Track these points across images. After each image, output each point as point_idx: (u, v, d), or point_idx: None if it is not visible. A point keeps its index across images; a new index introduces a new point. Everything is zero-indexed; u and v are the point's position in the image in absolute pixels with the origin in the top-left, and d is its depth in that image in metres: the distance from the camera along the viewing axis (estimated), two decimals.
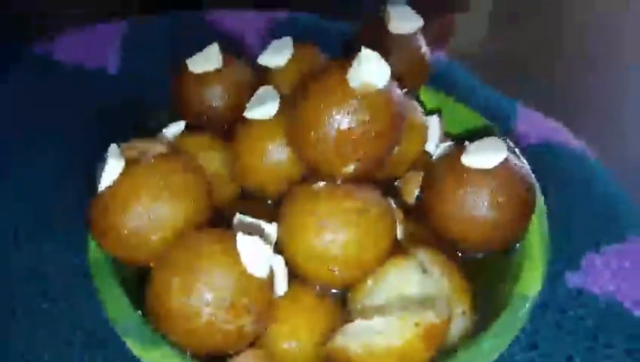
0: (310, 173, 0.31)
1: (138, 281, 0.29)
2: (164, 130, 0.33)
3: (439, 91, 0.39)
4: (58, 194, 0.43)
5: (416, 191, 0.34)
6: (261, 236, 0.28)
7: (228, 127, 0.35)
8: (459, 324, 0.29)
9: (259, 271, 0.26)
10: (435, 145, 0.35)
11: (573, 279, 0.37)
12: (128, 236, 0.27)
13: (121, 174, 0.27)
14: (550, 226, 0.40)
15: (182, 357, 0.26)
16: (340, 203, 0.28)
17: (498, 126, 0.43)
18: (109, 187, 0.27)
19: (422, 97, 0.39)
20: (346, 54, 0.37)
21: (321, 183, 0.29)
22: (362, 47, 0.27)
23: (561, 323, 0.35)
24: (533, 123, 0.47)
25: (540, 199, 0.32)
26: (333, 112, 0.27)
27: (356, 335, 0.26)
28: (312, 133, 0.28)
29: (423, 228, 0.33)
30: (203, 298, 0.25)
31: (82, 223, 0.29)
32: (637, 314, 0.35)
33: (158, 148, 0.29)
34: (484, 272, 0.31)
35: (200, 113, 0.35)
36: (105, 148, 0.28)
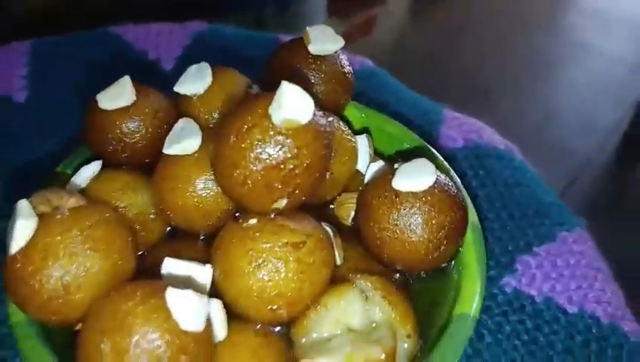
0: (242, 213, 0.30)
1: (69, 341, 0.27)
2: (77, 174, 0.31)
3: (364, 107, 0.39)
4: None
5: (352, 213, 0.33)
6: (194, 281, 0.27)
7: (149, 161, 0.33)
8: (404, 346, 0.29)
9: (194, 326, 0.24)
10: (365, 165, 0.35)
11: (510, 282, 0.38)
12: (50, 301, 0.25)
13: (34, 233, 0.25)
14: (482, 231, 0.41)
15: None
16: (274, 239, 0.27)
17: (423, 129, 0.44)
18: (22, 249, 0.25)
19: (348, 112, 0.39)
20: (267, 79, 0.36)
21: (253, 220, 0.28)
22: (282, 82, 0.26)
23: (503, 328, 0.36)
24: (460, 126, 0.48)
25: (473, 214, 0.32)
26: (258, 150, 0.26)
27: None
28: (238, 171, 0.27)
29: (361, 250, 0.32)
30: (134, 357, 0.23)
31: None
32: (571, 311, 0.37)
33: (73, 199, 0.27)
34: (423, 293, 0.31)
35: (117, 151, 0.33)
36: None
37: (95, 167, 0.32)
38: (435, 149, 0.36)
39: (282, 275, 0.27)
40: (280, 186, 0.27)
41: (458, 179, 0.34)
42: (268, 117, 0.26)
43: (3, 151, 0.46)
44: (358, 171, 0.35)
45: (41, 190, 0.27)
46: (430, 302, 0.31)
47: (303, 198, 0.28)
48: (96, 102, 0.32)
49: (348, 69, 0.36)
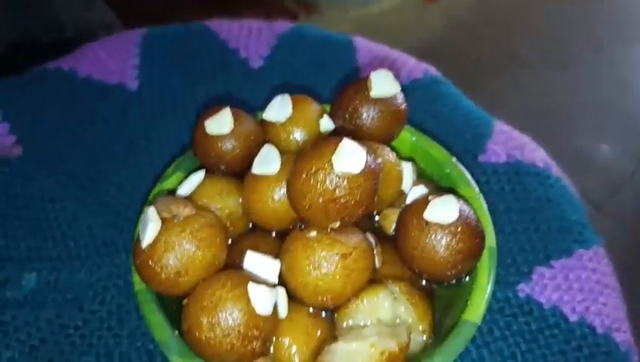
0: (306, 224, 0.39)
1: (177, 306, 0.39)
2: (187, 180, 0.41)
3: (415, 131, 0.46)
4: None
5: (393, 225, 0.42)
6: (267, 271, 0.37)
7: (240, 170, 0.43)
8: (420, 340, 0.38)
9: (265, 310, 0.34)
10: (409, 186, 0.43)
11: (524, 289, 0.45)
12: (165, 280, 0.36)
13: (158, 233, 0.36)
14: (508, 241, 0.48)
15: None
16: (327, 249, 0.37)
17: (471, 144, 0.50)
18: (150, 244, 0.36)
19: (400, 135, 0.47)
20: (335, 112, 0.44)
21: (313, 232, 0.37)
22: (344, 139, 0.34)
23: (511, 326, 0.44)
24: (505, 142, 0.54)
25: (491, 238, 0.40)
26: (321, 188, 0.35)
27: (337, 356, 0.35)
28: (305, 200, 0.36)
29: (397, 258, 0.41)
30: (224, 333, 0.34)
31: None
32: (572, 319, 0.44)
33: (187, 209, 0.37)
34: (443, 297, 0.40)
35: (217, 163, 0.43)
36: None
37: (200, 175, 0.42)
38: (480, 164, 0.43)
39: (331, 277, 0.36)
40: (335, 214, 0.36)
41: (484, 205, 0.42)
42: (331, 164, 0.35)
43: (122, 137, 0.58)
44: (402, 191, 0.43)
45: (163, 198, 0.38)
46: (447, 304, 0.39)
47: (352, 220, 0.37)
48: (203, 125, 0.42)
49: (403, 107, 0.43)
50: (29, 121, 0.59)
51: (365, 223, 0.44)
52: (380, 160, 0.40)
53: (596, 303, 0.44)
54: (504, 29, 1.41)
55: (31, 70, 0.64)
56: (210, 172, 0.43)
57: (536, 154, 0.54)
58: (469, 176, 0.44)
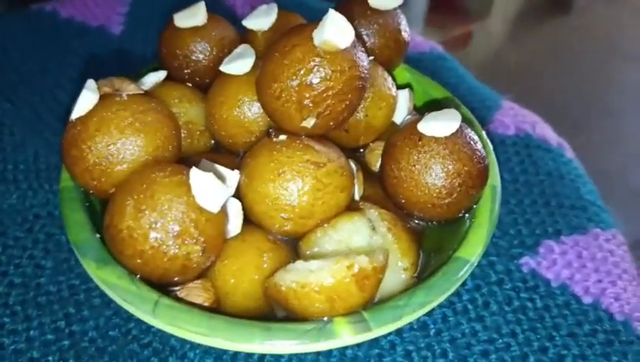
0: (275, 130, 0.33)
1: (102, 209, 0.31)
2: (143, 78, 0.35)
3: (416, 71, 0.41)
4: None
5: (379, 159, 0.35)
6: (223, 182, 0.30)
7: (208, 84, 0.37)
8: (400, 278, 0.30)
9: (210, 205, 0.27)
10: (402, 118, 0.36)
11: (529, 262, 0.38)
12: (94, 166, 0.29)
13: (94, 106, 0.29)
14: (513, 212, 0.41)
15: (131, 277, 0.28)
16: (298, 154, 0.30)
17: (477, 113, 0.45)
18: (81, 117, 0.29)
19: (399, 73, 0.41)
20: None
21: (283, 136, 0.31)
22: (330, 9, 0.29)
23: (512, 302, 0.36)
24: (515, 116, 0.48)
25: (495, 177, 0.33)
26: (296, 67, 0.29)
27: (293, 274, 0.27)
28: (275, 85, 0.29)
29: (381, 194, 0.34)
30: (151, 221, 0.26)
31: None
32: (585, 301, 0.36)
33: (133, 88, 0.31)
34: (432, 239, 0.33)
35: (182, 66, 0.37)
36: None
37: (160, 75, 0.36)
38: (485, 133, 0.37)
39: (298, 188, 0.30)
40: (310, 105, 0.29)
41: (490, 145, 0.35)
42: (310, 39, 0.29)
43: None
44: (394, 123, 0.37)
45: (109, 77, 0.32)
46: (437, 246, 0.32)
47: (331, 124, 0.31)
48: (172, 19, 0.36)
49: (404, 28, 0.38)
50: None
51: (348, 154, 0.37)
52: (372, 58, 0.34)
53: (614, 286, 0.37)
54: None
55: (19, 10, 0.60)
56: (172, 79, 0.37)
57: (548, 132, 0.48)
58: (472, 117, 0.37)
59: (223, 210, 0.29)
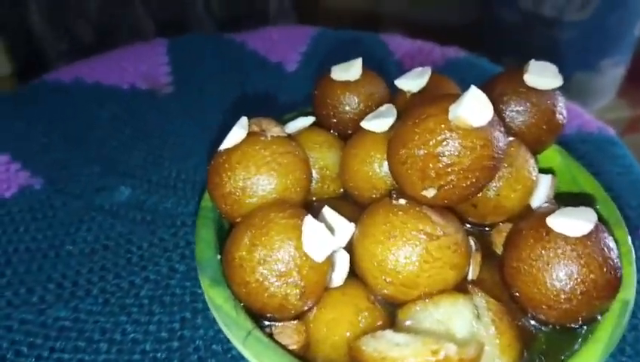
0: (398, 193, 0.33)
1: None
2: (292, 122, 0.38)
3: (570, 156, 0.38)
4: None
5: None
6: (337, 231, 0.31)
7: (351, 133, 0.38)
8: None
9: (315, 254, 0.28)
10: (540, 204, 0.34)
11: None
12: (229, 194, 0.32)
13: (240, 142, 0.33)
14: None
15: (235, 303, 0.30)
16: (412, 222, 0.30)
17: (632, 213, 0.40)
18: (228, 149, 0.33)
19: (550, 155, 0.39)
20: None
21: (403, 200, 0.31)
22: (472, 86, 0.28)
23: None
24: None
25: (629, 291, 0.30)
26: (426, 137, 0.29)
27: (379, 342, 0.27)
28: (403, 150, 0.30)
29: (499, 281, 0.32)
30: (260, 257, 0.28)
31: None
32: None
33: (278, 131, 0.34)
34: (539, 342, 0.30)
35: (330, 115, 0.39)
36: None
37: (307, 121, 0.38)
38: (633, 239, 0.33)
39: (406, 256, 0.29)
40: (433, 175, 0.29)
41: (632, 254, 0.31)
42: (446, 112, 0.29)
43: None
44: (530, 207, 0.35)
45: (258, 117, 0.35)
46: (544, 351, 0.30)
47: (454, 198, 0.30)
48: (329, 71, 0.39)
49: (559, 110, 0.36)
50: None
51: (473, 232, 0.36)
52: (511, 139, 0.33)
53: None
54: None
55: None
56: (319, 125, 0.39)
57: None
58: (620, 216, 0.34)
59: (329, 260, 0.30)
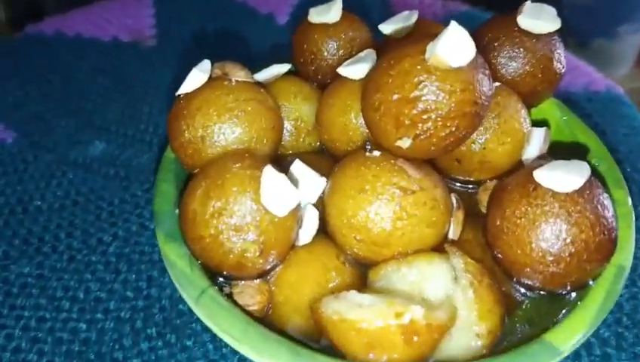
0: (372, 145, 0.30)
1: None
2: (265, 69, 0.35)
3: (569, 111, 0.35)
4: None
5: None
6: (308, 186, 0.29)
7: (330, 82, 0.35)
8: (470, 344, 0.26)
9: (276, 208, 0.26)
10: (532, 158, 0.31)
11: None
12: (189, 143, 0.29)
13: (200, 85, 0.30)
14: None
15: (191, 259, 0.27)
16: (386, 175, 0.27)
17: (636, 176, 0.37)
18: (187, 94, 0.30)
19: (547, 108, 0.35)
20: None
21: (377, 152, 0.28)
22: (452, 22, 0.25)
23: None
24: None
25: (626, 255, 0.27)
26: (400, 80, 0.26)
27: (340, 303, 0.24)
28: (377, 95, 0.27)
29: (482, 241, 0.30)
30: (214, 210, 0.26)
31: None
32: None
33: (243, 75, 0.31)
34: (524, 311, 0.28)
35: (307, 62, 0.36)
36: None
37: (282, 68, 0.35)
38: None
39: (377, 211, 0.27)
40: (408, 123, 0.26)
41: (632, 218, 0.28)
42: (423, 52, 0.26)
43: None
44: (522, 162, 0.32)
45: (224, 61, 0.32)
46: (528, 319, 0.27)
47: (432, 149, 0.27)
48: (307, 14, 0.35)
49: (558, 57, 0.32)
50: None
51: (458, 190, 0.33)
52: (497, 84, 0.29)
53: None
54: None
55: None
56: (298, 74, 0.36)
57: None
58: (621, 175, 0.31)
59: (293, 215, 0.27)
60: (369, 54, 0.32)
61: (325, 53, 0.35)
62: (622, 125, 0.45)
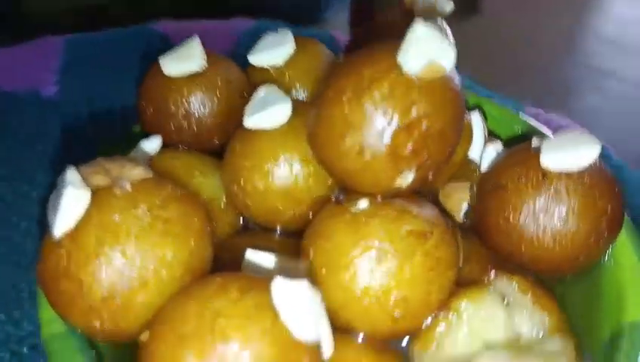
0: (342, 191, 0.24)
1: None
2: (135, 150, 0.25)
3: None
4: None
5: (464, 206, 0.27)
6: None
7: (218, 144, 0.27)
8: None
9: (308, 334, 0.18)
10: (480, 149, 0.28)
11: None
12: (105, 300, 0.19)
13: (86, 210, 0.19)
14: None
15: None
16: (394, 226, 0.21)
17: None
18: (71, 231, 0.19)
19: None
20: (354, 45, 0.31)
21: (363, 202, 0.22)
22: (416, 20, 0.20)
23: None
24: (545, 122, 0.42)
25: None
26: (384, 108, 0.20)
27: None
28: (352, 138, 0.20)
29: (482, 251, 0.26)
30: None
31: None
32: None
33: (137, 171, 0.21)
34: (569, 299, 0.25)
35: (183, 128, 0.27)
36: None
37: (154, 144, 0.26)
38: None
39: (407, 273, 0.21)
40: (409, 154, 0.20)
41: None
42: (397, 66, 0.20)
43: None
44: (469, 159, 0.29)
45: (97, 159, 0.21)
46: (582, 309, 0.24)
47: (430, 177, 0.22)
48: (158, 66, 0.26)
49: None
50: None
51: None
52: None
53: None
54: None
55: None
56: (167, 146, 0.27)
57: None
58: (546, 130, 0.30)
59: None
60: (271, 91, 0.25)
61: (204, 110, 0.26)
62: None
